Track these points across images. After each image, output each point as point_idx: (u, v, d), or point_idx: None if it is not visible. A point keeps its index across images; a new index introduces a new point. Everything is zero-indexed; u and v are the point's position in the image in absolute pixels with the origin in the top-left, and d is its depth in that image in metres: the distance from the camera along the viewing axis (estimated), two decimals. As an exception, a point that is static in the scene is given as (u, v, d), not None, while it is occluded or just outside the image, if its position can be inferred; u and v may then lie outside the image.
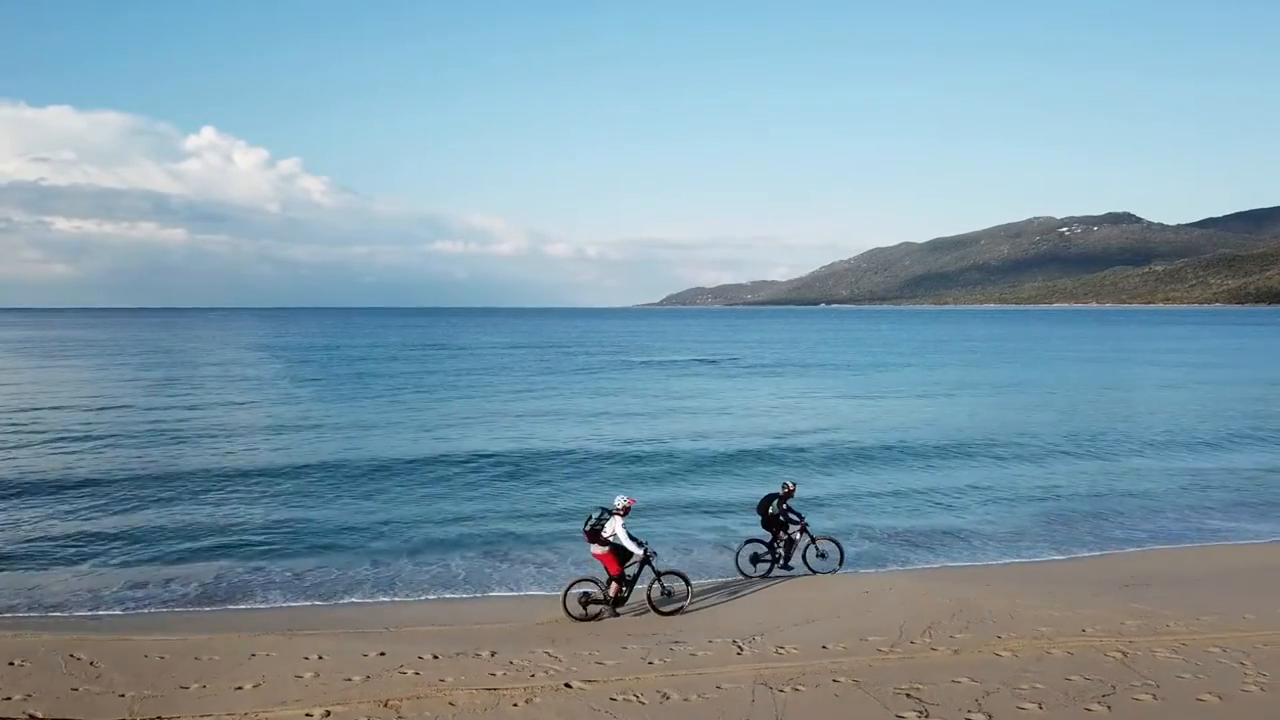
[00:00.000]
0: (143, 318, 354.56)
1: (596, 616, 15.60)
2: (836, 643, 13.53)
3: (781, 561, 18.47)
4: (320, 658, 13.07)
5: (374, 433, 39.02)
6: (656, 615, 15.69)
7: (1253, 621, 14.35)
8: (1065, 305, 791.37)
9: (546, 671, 12.45)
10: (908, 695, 11.10)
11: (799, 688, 11.43)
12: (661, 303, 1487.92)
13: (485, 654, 13.29)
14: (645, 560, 15.85)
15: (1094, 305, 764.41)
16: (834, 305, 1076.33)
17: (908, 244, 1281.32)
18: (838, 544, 19.05)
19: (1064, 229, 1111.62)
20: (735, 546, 19.29)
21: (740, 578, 18.35)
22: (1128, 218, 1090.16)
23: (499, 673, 12.48)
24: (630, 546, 15.56)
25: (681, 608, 15.82)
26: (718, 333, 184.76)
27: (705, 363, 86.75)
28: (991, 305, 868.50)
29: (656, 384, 64.14)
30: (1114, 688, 11.18)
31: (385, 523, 23.78)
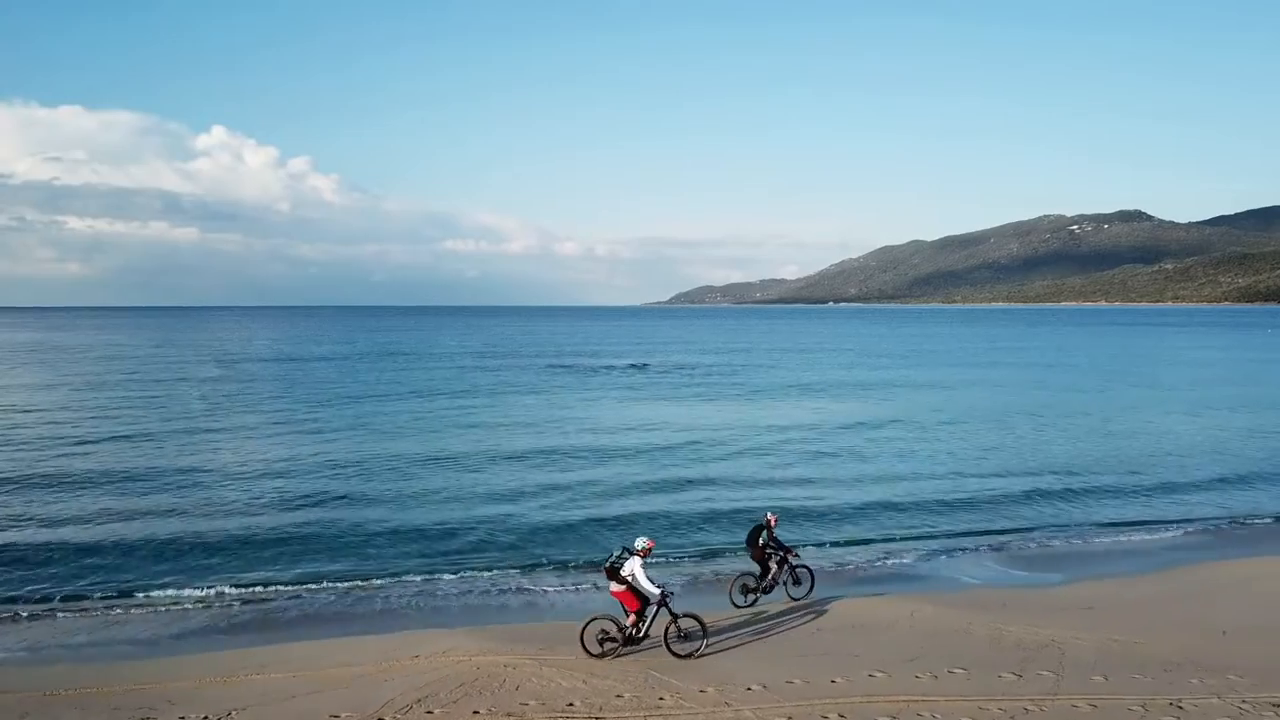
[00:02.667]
0: (150, 317, 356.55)
1: (613, 653, 15.86)
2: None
3: (759, 587, 19.43)
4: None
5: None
6: (671, 656, 15.84)
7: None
8: (1074, 304, 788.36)
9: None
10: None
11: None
12: (670, 301, 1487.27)
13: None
14: (662, 602, 15.99)
15: (1103, 304, 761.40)
16: (842, 303, 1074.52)
17: (917, 242, 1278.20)
18: (809, 570, 20.16)
19: (1074, 227, 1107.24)
20: (728, 581, 20.09)
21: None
22: (1138, 215, 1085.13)
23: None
24: (647, 587, 15.81)
25: (696, 650, 15.95)
26: (701, 335, 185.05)
27: (637, 368, 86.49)
28: (1000, 304, 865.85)
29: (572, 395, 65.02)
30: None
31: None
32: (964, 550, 25.29)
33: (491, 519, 27.75)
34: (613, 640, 15.89)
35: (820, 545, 25.48)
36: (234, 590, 21.17)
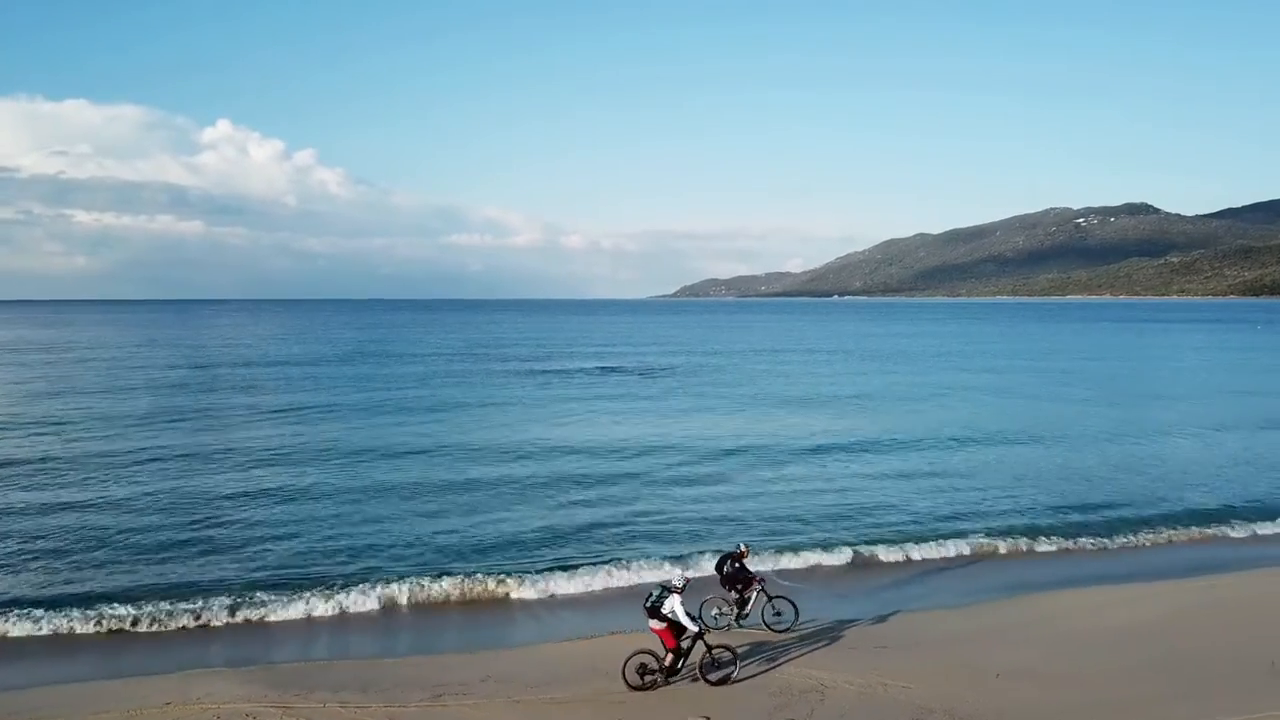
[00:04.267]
0: (152, 312, 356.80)
1: (652, 685, 16.78)
2: None
3: (736, 616, 19.78)
4: None
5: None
6: (705, 684, 16.90)
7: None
8: (1079, 297, 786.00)
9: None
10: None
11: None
12: (675, 294, 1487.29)
13: None
14: (699, 635, 16.92)
15: (1108, 297, 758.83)
16: (847, 297, 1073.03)
17: (923, 235, 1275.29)
18: (792, 602, 19.99)
19: (1080, 220, 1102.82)
20: (698, 604, 20.18)
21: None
22: (1145, 208, 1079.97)
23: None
24: (687, 624, 16.70)
25: (728, 676, 17.00)
26: (685, 333, 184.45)
27: (605, 371, 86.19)
28: (1005, 297, 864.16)
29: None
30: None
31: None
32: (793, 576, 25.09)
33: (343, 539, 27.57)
34: (652, 673, 16.84)
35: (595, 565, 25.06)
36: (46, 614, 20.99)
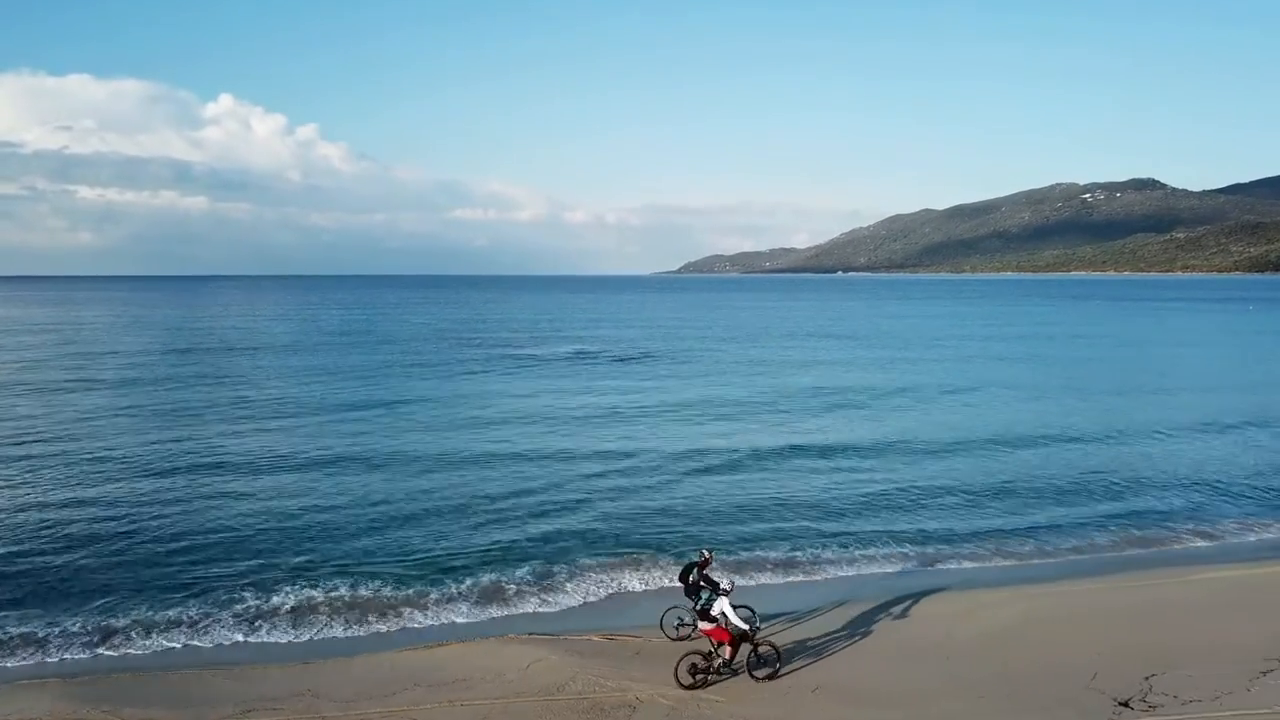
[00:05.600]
0: (151, 289, 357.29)
1: (703, 684, 17.42)
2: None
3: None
4: None
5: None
6: (751, 679, 17.63)
7: None
8: (1083, 273, 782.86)
9: None
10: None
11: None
12: (680, 270, 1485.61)
13: None
14: (747, 636, 17.64)
15: (1112, 273, 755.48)
16: (851, 273, 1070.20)
17: (928, 210, 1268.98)
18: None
19: (1087, 195, 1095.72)
20: (659, 613, 20.32)
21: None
22: (1152, 184, 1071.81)
23: None
24: (736, 623, 17.44)
25: (773, 672, 17.81)
26: (674, 313, 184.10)
27: (580, 356, 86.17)
28: (1010, 273, 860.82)
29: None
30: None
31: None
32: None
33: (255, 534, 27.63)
34: (703, 671, 17.53)
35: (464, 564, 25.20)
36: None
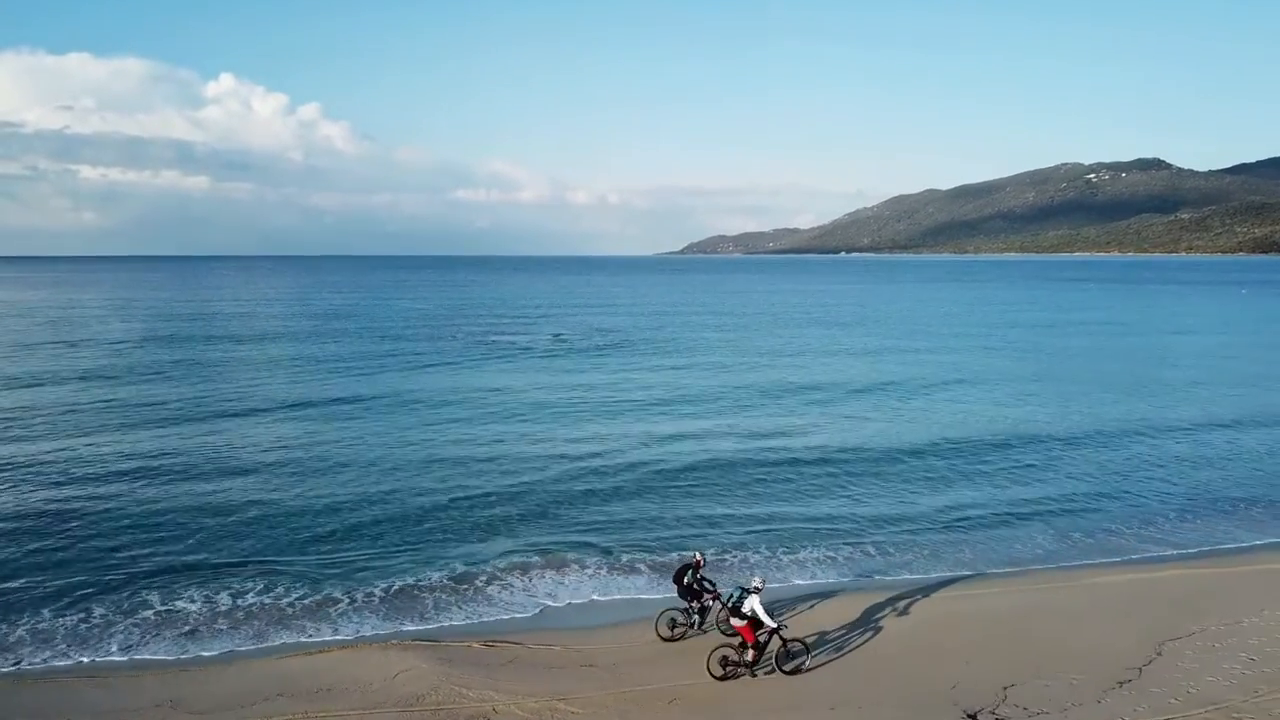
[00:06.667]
0: (150, 270, 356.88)
1: (734, 675, 18.18)
2: None
3: (697, 625, 20.38)
4: None
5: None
6: (780, 673, 18.33)
7: None
8: (1087, 254, 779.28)
9: None
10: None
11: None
12: (682, 251, 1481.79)
13: None
14: (775, 630, 18.26)
15: (1115, 254, 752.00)
16: (854, 254, 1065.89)
17: (932, 191, 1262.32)
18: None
19: (1091, 175, 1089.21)
20: (654, 615, 20.71)
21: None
22: (1157, 164, 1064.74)
23: None
24: (766, 620, 18.06)
25: (800, 665, 18.52)
26: (659, 296, 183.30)
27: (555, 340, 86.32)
28: (1014, 254, 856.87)
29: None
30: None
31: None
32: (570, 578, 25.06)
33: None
34: (734, 664, 18.29)
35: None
36: None
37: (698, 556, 20.75)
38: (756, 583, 18.61)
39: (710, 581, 20.58)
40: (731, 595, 18.58)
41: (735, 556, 26.57)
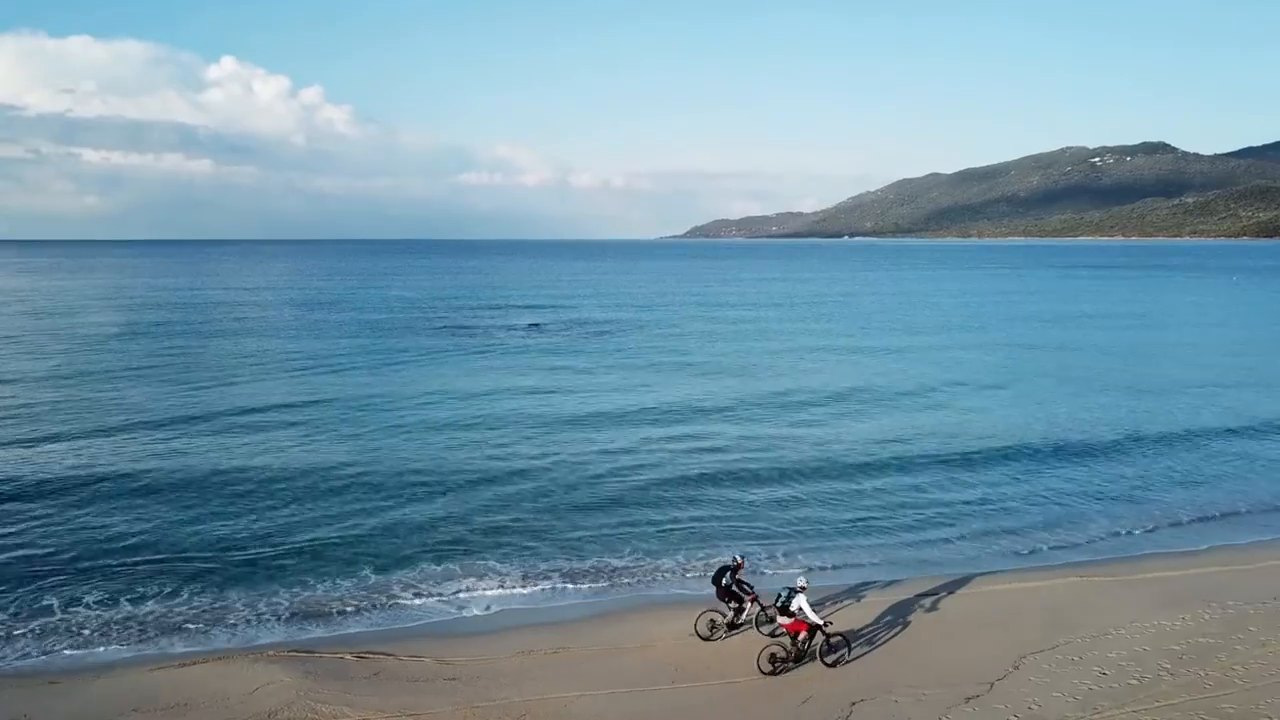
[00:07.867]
0: (149, 255, 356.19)
1: (783, 670, 18.86)
2: None
3: (732, 624, 20.71)
4: None
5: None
6: (823, 666, 19.15)
7: None
8: (1090, 238, 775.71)
9: None
10: None
11: None
12: (686, 235, 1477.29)
13: None
14: (819, 627, 19.01)
15: (1119, 239, 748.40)
16: (857, 238, 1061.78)
17: (936, 175, 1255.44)
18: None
19: (1096, 159, 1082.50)
20: (694, 617, 20.93)
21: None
22: (1162, 147, 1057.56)
23: None
24: (812, 618, 18.90)
25: (841, 658, 19.39)
26: (646, 284, 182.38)
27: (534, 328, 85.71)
28: (1017, 238, 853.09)
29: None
30: None
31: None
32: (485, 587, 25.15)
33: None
34: (782, 660, 18.99)
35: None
36: None
37: (738, 559, 21.15)
38: (801, 582, 19.23)
39: (749, 585, 21.03)
40: (780, 595, 19.22)
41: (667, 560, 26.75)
